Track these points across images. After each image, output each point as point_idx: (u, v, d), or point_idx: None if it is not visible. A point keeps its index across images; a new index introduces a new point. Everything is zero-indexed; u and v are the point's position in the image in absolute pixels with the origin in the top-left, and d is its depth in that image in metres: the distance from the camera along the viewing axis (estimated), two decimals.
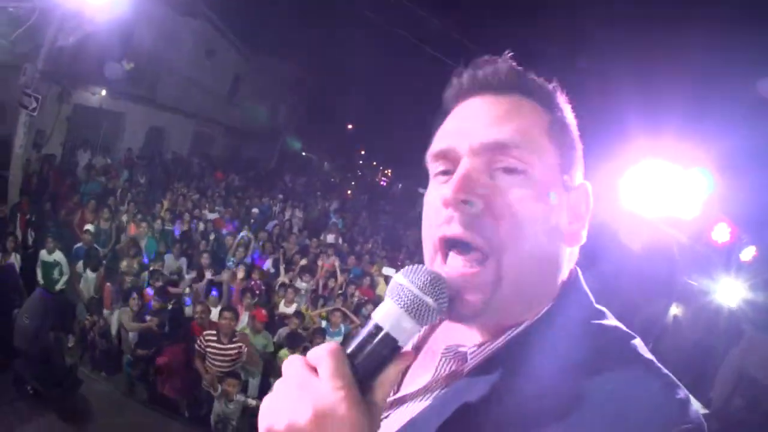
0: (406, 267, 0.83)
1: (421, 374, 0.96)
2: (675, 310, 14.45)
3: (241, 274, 8.84)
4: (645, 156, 6.28)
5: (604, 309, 0.93)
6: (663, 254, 8.23)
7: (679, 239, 7.35)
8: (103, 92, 15.38)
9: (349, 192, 28.17)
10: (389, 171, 53.47)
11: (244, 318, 7.99)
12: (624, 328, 0.89)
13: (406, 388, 0.95)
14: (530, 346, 0.85)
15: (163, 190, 13.84)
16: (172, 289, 8.34)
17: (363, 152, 49.44)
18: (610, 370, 0.79)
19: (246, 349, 6.88)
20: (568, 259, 0.94)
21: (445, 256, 0.87)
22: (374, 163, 53.10)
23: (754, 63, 7.65)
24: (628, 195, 6.41)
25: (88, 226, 9.42)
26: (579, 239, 0.94)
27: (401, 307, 0.78)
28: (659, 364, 0.82)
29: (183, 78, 18.37)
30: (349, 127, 38.35)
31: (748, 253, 7.55)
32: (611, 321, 0.90)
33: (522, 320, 0.88)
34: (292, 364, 0.75)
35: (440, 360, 0.92)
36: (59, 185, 11.56)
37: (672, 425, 0.73)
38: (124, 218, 10.59)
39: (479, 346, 0.89)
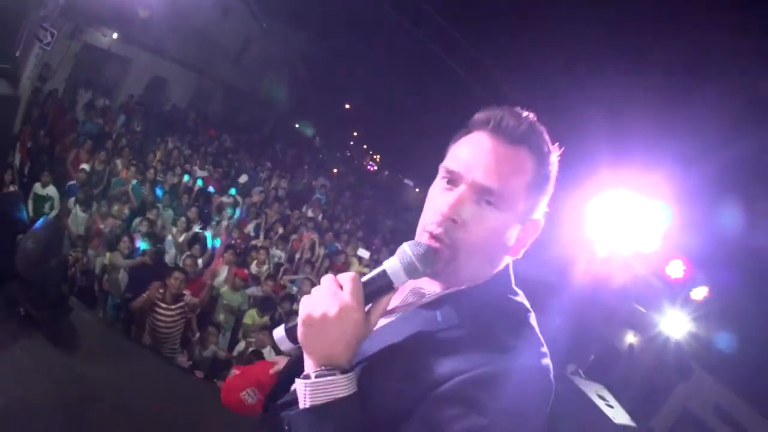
0: (412, 241, 1.31)
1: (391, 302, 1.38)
2: (631, 339, 15.01)
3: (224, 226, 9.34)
4: (609, 186, 6.66)
5: (518, 290, 1.43)
6: (616, 281, 8.62)
7: (633, 269, 7.71)
8: (114, 35, 15.53)
9: (335, 170, 28.35)
10: (378, 157, 53.46)
11: (223, 272, 8.43)
12: (526, 305, 1.40)
13: None
14: (460, 299, 1.33)
15: (157, 140, 14.10)
16: None
17: (356, 134, 49.35)
18: (500, 324, 1.29)
19: (187, 317, 6.96)
20: (506, 259, 1.41)
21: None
22: (365, 147, 53.05)
23: (714, 102, 7.99)
24: (592, 222, 6.81)
25: (84, 165, 9.73)
26: (518, 254, 1.40)
27: (401, 265, 1.25)
28: (536, 335, 1.32)
29: (195, 32, 18.40)
30: (347, 107, 38.36)
31: (700, 293, 7.85)
32: (519, 299, 1.40)
33: (464, 285, 1.36)
34: (327, 280, 1.24)
35: (407, 294, 1.44)
36: (58, 121, 11.75)
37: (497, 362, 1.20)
38: (119, 162, 10.84)
39: (434, 293, 1.39)
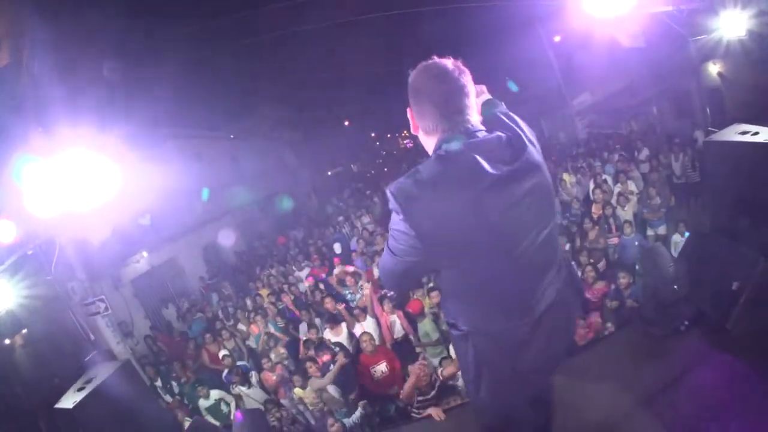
0: None
1: None
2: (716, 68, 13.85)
3: (367, 291, 8.98)
4: None
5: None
6: (665, 31, 7.79)
7: (664, 10, 6.89)
8: (144, 254, 15.75)
9: (386, 169, 28.07)
10: (405, 132, 53.38)
11: (395, 321, 8.36)
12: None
13: None
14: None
15: (250, 286, 14.04)
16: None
17: (373, 134, 49.57)
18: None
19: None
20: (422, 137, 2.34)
21: None
22: (389, 136, 53.28)
23: None
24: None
25: (223, 352, 9.69)
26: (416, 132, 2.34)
27: None
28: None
29: (192, 193, 18.51)
30: (347, 123, 38.47)
31: None
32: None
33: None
34: None
35: None
36: (172, 345, 11.88)
37: None
38: (242, 327, 10.82)
39: None
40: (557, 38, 18.74)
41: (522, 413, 2.78)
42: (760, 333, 4.16)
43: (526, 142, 2.21)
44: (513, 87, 20.67)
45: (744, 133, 4.40)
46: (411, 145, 50.46)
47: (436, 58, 2.22)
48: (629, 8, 6.19)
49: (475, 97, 2.27)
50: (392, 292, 8.79)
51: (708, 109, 10.50)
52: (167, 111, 15.86)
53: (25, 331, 10.11)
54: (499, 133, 2.19)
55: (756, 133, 4.29)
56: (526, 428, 2.88)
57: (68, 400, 4.23)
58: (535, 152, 2.21)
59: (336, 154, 35.23)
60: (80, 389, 4.35)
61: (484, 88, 2.58)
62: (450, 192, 2.05)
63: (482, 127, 2.22)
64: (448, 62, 2.20)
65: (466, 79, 2.19)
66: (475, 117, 2.23)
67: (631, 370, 4.65)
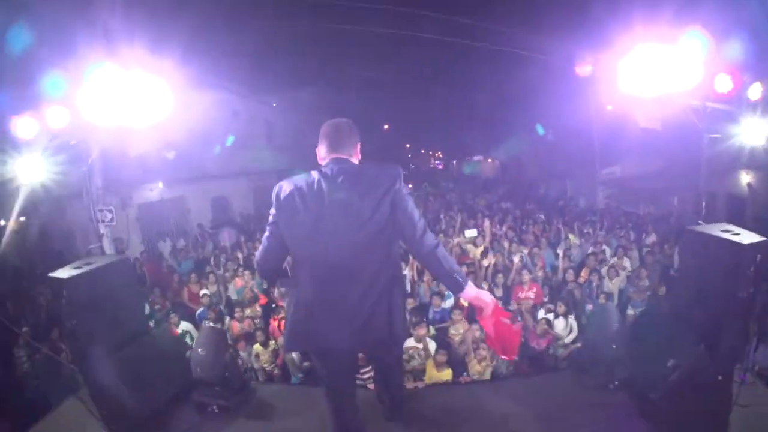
0: None
1: None
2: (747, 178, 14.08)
3: None
4: (638, 42, 6.27)
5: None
6: (684, 123, 8.03)
7: (690, 103, 7.13)
8: (160, 184, 16.21)
9: (410, 186, 28.30)
10: (439, 153, 53.21)
11: None
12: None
13: None
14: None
15: (248, 245, 14.29)
16: None
17: (408, 145, 49.44)
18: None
19: None
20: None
21: None
22: (422, 151, 53.06)
23: None
24: (627, 79, 6.46)
25: (204, 291, 10.17)
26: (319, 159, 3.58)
27: None
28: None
29: (222, 145, 18.95)
30: (386, 127, 38.44)
31: (756, 91, 7.22)
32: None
33: None
34: None
35: None
36: (158, 274, 12.22)
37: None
38: (228, 276, 11.13)
39: None
40: (609, 107, 18.86)
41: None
42: (681, 412, 4.45)
43: (353, 184, 3.34)
44: (540, 130, 21.11)
45: (726, 231, 4.69)
46: (441, 166, 50.63)
47: (339, 119, 3.66)
48: (657, 93, 6.46)
49: (355, 145, 3.60)
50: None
51: (705, 210, 10.75)
52: (220, 62, 16.29)
53: (23, 218, 10.56)
54: (348, 172, 3.40)
55: (737, 234, 4.57)
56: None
57: (63, 273, 4.60)
58: (352, 193, 3.30)
59: (366, 154, 35.37)
60: (77, 267, 4.73)
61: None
62: (300, 194, 3.32)
63: (354, 163, 3.53)
64: (345, 122, 3.64)
65: (352, 133, 3.60)
66: (350, 155, 3.54)
67: (552, 410, 4.97)
